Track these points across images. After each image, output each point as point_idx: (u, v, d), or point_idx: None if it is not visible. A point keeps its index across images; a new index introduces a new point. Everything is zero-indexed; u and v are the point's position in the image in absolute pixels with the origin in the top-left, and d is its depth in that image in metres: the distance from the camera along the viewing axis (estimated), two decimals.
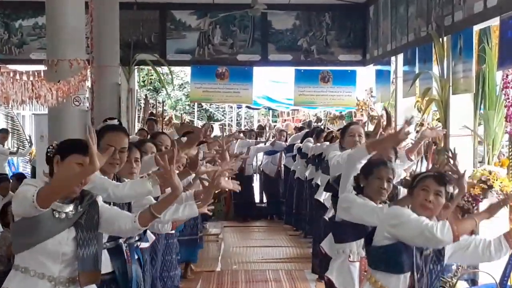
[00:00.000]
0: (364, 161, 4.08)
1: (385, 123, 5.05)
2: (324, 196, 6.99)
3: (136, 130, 9.88)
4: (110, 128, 3.83)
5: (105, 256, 3.44)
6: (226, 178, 4.15)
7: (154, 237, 4.81)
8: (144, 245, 4.58)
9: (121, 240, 3.74)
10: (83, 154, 2.98)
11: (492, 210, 3.44)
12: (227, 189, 5.25)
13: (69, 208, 3.10)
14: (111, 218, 3.19)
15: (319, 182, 7.57)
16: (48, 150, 3.18)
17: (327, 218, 5.59)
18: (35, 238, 3.03)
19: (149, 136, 7.06)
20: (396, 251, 3.28)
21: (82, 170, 2.98)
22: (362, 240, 3.83)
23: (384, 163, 4.01)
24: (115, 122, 4.04)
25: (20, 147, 12.12)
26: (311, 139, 9.27)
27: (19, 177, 5.92)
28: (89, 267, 3.11)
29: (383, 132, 4.88)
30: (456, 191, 3.53)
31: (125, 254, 3.77)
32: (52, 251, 3.05)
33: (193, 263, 7.59)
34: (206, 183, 4.10)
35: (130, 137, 7.17)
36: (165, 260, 5.66)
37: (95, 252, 3.13)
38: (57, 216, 3.05)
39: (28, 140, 12.00)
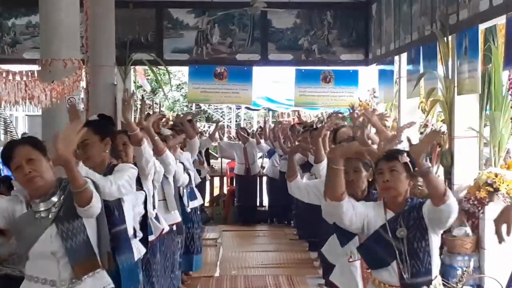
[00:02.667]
0: None
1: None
2: None
3: None
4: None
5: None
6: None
7: (161, 228, 4.74)
8: (150, 238, 4.57)
9: (127, 235, 3.71)
10: (12, 160, 3.09)
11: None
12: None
13: (53, 202, 3.11)
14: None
15: None
16: None
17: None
18: (24, 245, 3.11)
19: None
20: (372, 246, 3.26)
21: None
22: (357, 239, 3.79)
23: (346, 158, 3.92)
24: (94, 117, 3.99)
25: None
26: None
27: (4, 180, 5.80)
28: (81, 256, 3.11)
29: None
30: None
31: (132, 249, 3.75)
32: (43, 253, 3.08)
33: (198, 269, 7.51)
34: None
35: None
36: (174, 259, 5.66)
37: (85, 239, 3.12)
38: (37, 216, 3.08)
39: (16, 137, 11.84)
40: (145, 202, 4.31)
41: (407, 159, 3.22)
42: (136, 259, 3.85)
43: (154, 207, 4.81)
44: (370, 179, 3.81)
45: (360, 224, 3.31)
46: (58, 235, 3.08)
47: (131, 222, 3.87)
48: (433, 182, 3.07)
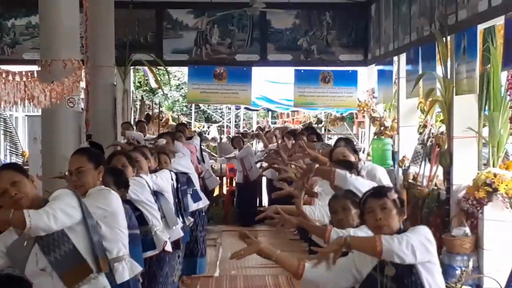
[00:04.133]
0: None
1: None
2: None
3: None
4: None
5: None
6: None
7: (163, 241, 4.70)
8: (151, 253, 4.60)
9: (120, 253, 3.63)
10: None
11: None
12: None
13: None
14: None
15: None
16: None
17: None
18: (20, 269, 3.21)
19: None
20: None
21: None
22: None
23: (334, 196, 3.88)
24: (85, 145, 4.02)
25: (13, 149, 11.99)
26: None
27: None
28: (68, 266, 3.13)
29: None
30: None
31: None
32: (35, 272, 3.15)
33: (201, 273, 7.50)
34: None
35: (136, 134, 6.98)
36: (178, 264, 5.65)
37: (70, 248, 3.14)
38: (26, 238, 3.13)
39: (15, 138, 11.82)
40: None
41: (395, 196, 3.20)
42: (122, 281, 3.63)
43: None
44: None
45: (351, 279, 3.23)
46: (41, 250, 3.13)
47: (120, 246, 3.65)
48: (359, 248, 3.08)
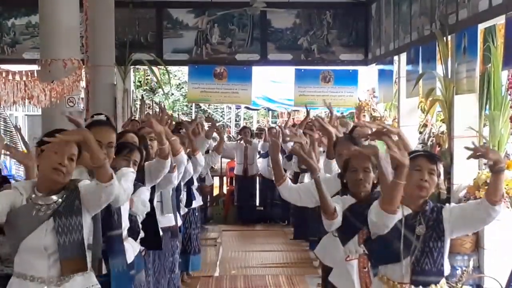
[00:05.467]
0: None
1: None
2: None
3: None
4: (96, 123, 3.77)
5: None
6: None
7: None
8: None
9: (119, 239, 3.66)
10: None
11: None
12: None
13: (53, 200, 3.10)
14: (86, 193, 3.15)
15: None
16: (34, 146, 3.23)
17: None
18: (17, 236, 3.07)
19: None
20: (386, 240, 3.25)
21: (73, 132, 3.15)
22: (356, 238, 3.86)
23: (355, 155, 3.88)
24: (102, 117, 3.92)
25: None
26: None
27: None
28: (71, 254, 3.09)
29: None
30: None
31: (124, 254, 3.69)
32: (35, 247, 3.06)
33: (196, 270, 7.48)
34: None
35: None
36: (174, 259, 5.63)
37: (79, 238, 3.11)
38: (37, 208, 3.08)
39: (18, 129, 11.78)
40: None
41: (442, 168, 3.31)
42: (130, 260, 3.80)
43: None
44: (375, 181, 3.83)
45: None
46: (54, 229, 3.07)
47: (127, 222, 3.85)
48: (501, 182, 3.18)
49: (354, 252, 4.03)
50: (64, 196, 3.12)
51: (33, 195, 3.12)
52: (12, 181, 4.09)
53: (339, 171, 4.23)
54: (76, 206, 3.13)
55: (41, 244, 3.06)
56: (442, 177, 3.41)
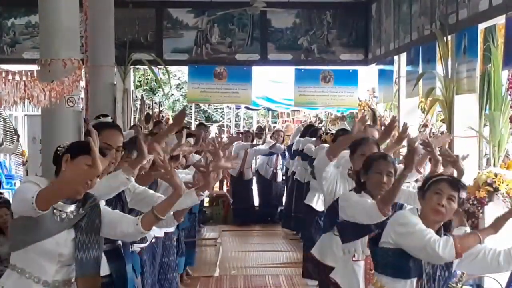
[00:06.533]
0: None
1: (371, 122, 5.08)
2: (316, 201, 6.89)
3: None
4: (106, 126, 3.78)
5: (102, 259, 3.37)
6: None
7: (153, 236, 4.71)
8: (142, 245, 4.55)
9: (119, 242, 3.69)
10: None
11: (498, 225, 3.32)
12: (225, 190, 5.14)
13: (70, 209, 3.07)
14: (113, 221, 3.15)
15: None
16: (58, 148, 3.16)
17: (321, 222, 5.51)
18: (34, 236, 3.01)
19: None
20: (404, 256, 3.23)
21: (85, 172, 2.97)
22: (366, 239, 3.87)
23: (383, 157, 3.97)
24: (109, 119, 3.92)
25: (7, 144, 11.94)
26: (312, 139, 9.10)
27: None
28: (89, 271, 3.08)
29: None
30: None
31: (123, 257, 3.72)
32: (49, 251, 3.03)
33: (190, 266, 7.45)
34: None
35: (125, 133, 6.99)
36: (162, 262, 5.57)
37: (96, 256, 3.10)
38: (57, 215, 3.03)
39: (14, 133, 11.79)
40: None
41: (464, 196, 3.28)
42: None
43: None
44: None
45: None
46: (74, 242, 3.06)
47: None
48: (469, 241, 3.24)
49: (360, 253, 4.05)
50: (84, 210, 3.10)
51: None
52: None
53: (349, 169, 4.29)
54: (96, 224, 3.13)
55: (57, 251, 3.04)
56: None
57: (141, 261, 4.63)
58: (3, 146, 11.55)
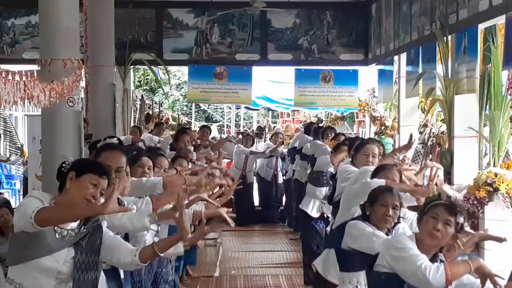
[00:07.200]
0: None
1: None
2: (311, 207, 6.89)
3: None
4: (107, 147, 3.89)
5: (101, 277, 3.34)
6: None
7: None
8: None
9: None
10: (100, 175, 3.07)
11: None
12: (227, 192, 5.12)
13: (72, 226, 3.05)
14: (112, 247, 3.13)
15: None
16: (63, 165, 3.15)
17: (327, 229, 5.49)
18: (33, 253, 3.00)
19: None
20: (397, 280, 3.25)
21: (91, 207, 2.99)
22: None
23: (389, 190, 3.98)
24: (114, 140, 3.96)
25: (13, 153, 11.97)
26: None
27: None
28: None
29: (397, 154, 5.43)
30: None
31: (121, 276, 3.72)
32: (48, 268, 3.01)
33: (192, 265, 7.44)
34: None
35: (123, 138, 6.99)
36: (156, 273, 5.54)
37: (94, 277, 3.09)
38: (58, 232, 3.02)
39: (20, 149, 11.83)
40: None
41: (461, 221, 3.29)
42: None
43: None
44: (397, 220, 3.93)
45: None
46: (73, 260, 3.04)
47: None
48: (460, 269, 3.24)
49: (362, 284, 4.08)
50: (86, 229, 3.08)
51: None
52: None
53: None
54: (97, 245, 3.12)
55: (56, 268, 3.02)
56: (442, 177, 3.43)
57: (139, 273, 4.63)
58: (10, 159, 11.58)
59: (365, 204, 4.00)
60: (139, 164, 4.40)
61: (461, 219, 3.28)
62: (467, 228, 3.98)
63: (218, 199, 4.27)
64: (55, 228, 3.01)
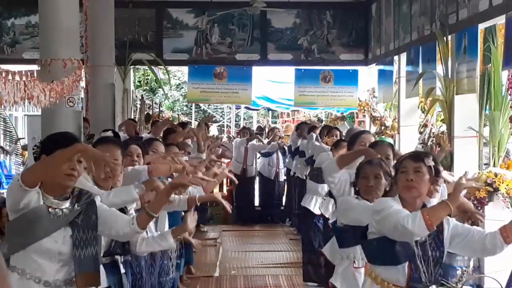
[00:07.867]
0: None
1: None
2: (314, 204, 6.88)
3: None
4: (102, 141, 3.91)
5: (101, 271, 3.34)
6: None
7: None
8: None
9: (116, 257, 3.71)
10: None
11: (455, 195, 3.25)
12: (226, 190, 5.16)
13: (65, 205, 3.06)
14: (109, 220, 3.14)
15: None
16: (33, 149, 3.18)
17: (329, 223, 5.48)
18: (31, 237, 2.99)
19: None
20: (389, 242, 3.22)
21: (69, 148, 2.94)
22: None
23: (368, 162, 4.01)
24: (109, 133, 3.95)
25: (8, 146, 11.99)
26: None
27: None
28: (87, 268, 3.06)
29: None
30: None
31: (121, 269, 3.72)
32: (49, 250, 3.01)
33: (190, 263, 7.43)
34: (215, 168, 4.36)
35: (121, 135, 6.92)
36: (163, 264, 5.55)
37: (94, 253, 3.08)
38: (53, 213, 3.02)
39: (15, 137, 11.82)
40: None
41: (432, 163, 3.26)
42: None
43: None
44: (387, 189, 3.88)
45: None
46: (72, 239, 3.05)
47: None
48: (439, 211, 3.14)
49: (360, 260, 4.05)
50: (79, 206, 3.08)
51: (43, 197, 3.05)
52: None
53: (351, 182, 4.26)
54: (93, 220, 3.10)
55: (56, 249, 3.03)
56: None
57: (139, 265, 4.63)
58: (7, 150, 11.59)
59: (355, 182, 4.07)
60: (128, 153, 4.38)
61: (430, 162, 3.24)
62: (444, 173, 3.98)
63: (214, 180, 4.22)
64: (49, 209, 3.01)
